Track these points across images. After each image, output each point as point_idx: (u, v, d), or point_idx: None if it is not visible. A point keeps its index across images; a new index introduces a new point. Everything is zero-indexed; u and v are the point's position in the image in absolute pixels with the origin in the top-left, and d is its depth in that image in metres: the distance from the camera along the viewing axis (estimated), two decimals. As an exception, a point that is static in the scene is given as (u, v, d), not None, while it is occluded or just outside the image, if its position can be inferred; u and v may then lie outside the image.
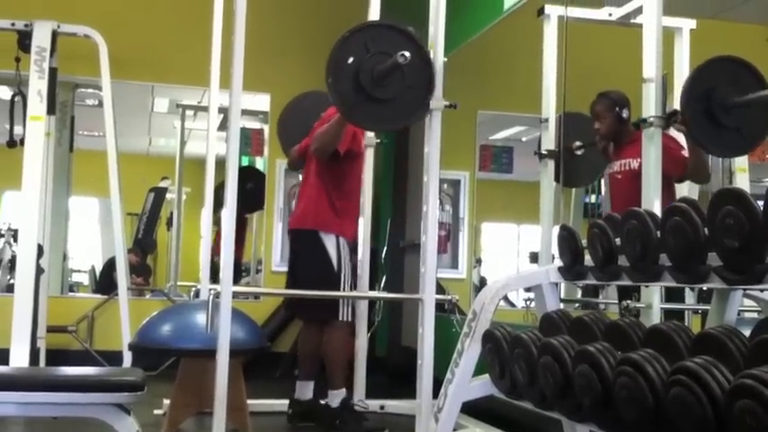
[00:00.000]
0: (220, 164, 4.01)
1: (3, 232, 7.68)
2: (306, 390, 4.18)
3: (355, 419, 4.04)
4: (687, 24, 3.85)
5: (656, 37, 3.04)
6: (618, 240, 2.29)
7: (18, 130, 5.15)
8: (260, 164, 7.33)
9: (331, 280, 4.09)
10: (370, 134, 4.63)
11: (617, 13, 3.81)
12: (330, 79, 3.42)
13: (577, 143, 3.98)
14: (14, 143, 5.17)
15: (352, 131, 4.12)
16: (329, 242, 4.12)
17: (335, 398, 4.09)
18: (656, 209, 2.90)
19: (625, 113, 3.71)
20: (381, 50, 3.45)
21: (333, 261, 4.11)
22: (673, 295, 3.46)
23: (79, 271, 8.72)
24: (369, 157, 4.65)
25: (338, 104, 3.49)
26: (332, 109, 3.93)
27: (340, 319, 4.12)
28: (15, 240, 6.39)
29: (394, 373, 5.71)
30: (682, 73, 3.68)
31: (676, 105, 3.50)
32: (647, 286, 2.94)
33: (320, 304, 4.14)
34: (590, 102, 3.92)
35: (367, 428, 4.06)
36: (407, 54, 3.33)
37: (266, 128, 6.76)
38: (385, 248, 5.97)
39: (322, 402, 4.13)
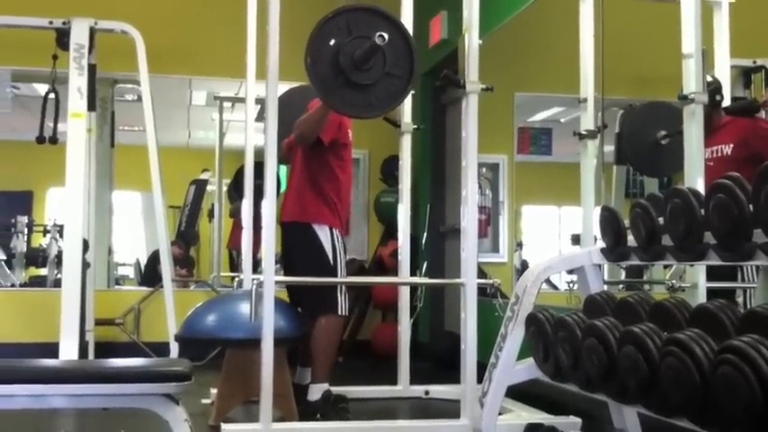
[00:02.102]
0: (259, 154, 4.03)
1: (49, 228, 7.83)
2: (306, 375, 4.14)
3: (336, 412, 3.92)
4: (726, -2, 3.77)
5: (695, 11, 2.99)
6: (661, 220, 2.26)
7: (51, 126, 5.25)
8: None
9: (327, 273, 3.98)
10: (407, 120, 4.62)
11: (654, -12, 3.75)
12: (309, 59, 3.37)
13: (663, 132, 3.91)
14: (44, 140, 5.25)
15: (338, 121, 4.01)
16: (323, 234, 4.03)
17: (317, 392, 3.96)
18: (700, 186, 2.86)
19: (717, 98, 3.61)
20: (363, 34, 3.40)
21: (329, 254, 4.02)
22: (724, 275, 3.40)
23: (124, 264, 8.84)
24: (406, 143, 4.65)
25: (316, 87, 3.45)
26: (316, 99, 3.83)
27: (339, 313, 4.00)
28: (61, 236, 6.51)
29: (437, 358, 5.71)
30: (722, 48, 3.61)
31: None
32: (691, 265, 2.91)
33: (319, 296, 4.01)
34: (629, 81, 3.87)
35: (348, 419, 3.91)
36: (386, 35, 3.28)
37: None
38: (425, 234, 5.97)
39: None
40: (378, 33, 3.28)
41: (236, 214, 7.50)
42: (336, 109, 3.67)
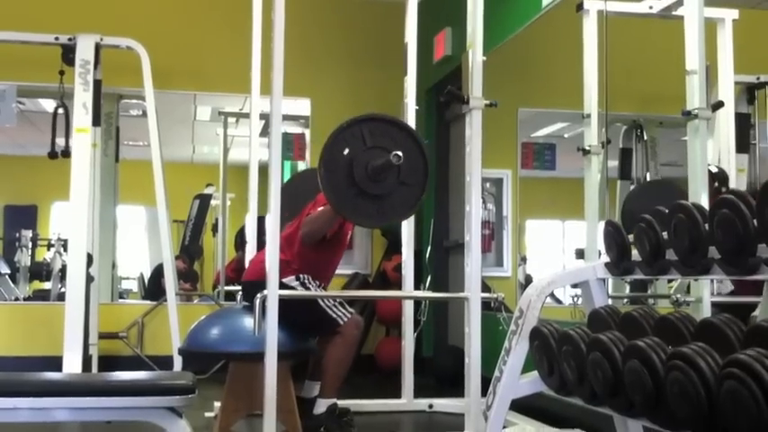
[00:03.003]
0: (263, 169, 4.04)
1: (53, 242, 7.84)
2: (313, 388, 4.12)
3: (340, 426, 3.90)
4: (729, 15, 3.78)
5: (699, 28, 3.00)
6: (665, 234, 2.26)
7: (60, 142, 5.27)
8: (302, 168, 7.37)
9: (310, 304, 3.90)
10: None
11: (657, 5, 3.76)
12: (322, 170, 3.37)
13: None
14: (56, 154, 5.27)
15: (342, 220, 3.96)
16: (291, 281, 3.92)
17: (323, 406, 3.93)
18: (704, 202, 2.86)
19: (723, 190, 3.61)
20: (378, 145, 3.41)
21: (296, 288, 3.91)
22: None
23: (128, 278, 8.86)
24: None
25: (329, 197, 3.46)
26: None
27: (342, 323, 3.93)
28: (65, 250, 6.51)
29: (441, 372, 5.70)
30: (725, 64, 3.63)
31: (721, 97, 3.47)
32: (696, 280, 2.90)
33: (316, 324, 3.96)
34: (633, 97, 3.88)
35: None
36: (401, 155, 3.30)
37: (307, 132, 6.81)
38: (429, 249, 5.97)
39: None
40: (393, 153, 3.29)
41: (237, 260, 7.44)
42: (349, 219, 3.70)
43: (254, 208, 4.78)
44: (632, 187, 4.40)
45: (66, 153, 5.27)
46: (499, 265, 5.77)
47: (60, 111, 5.33)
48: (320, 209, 3.91)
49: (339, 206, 3.51)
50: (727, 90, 3.59)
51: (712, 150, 3.56)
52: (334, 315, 3.94)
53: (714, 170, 3.56)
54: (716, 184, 3.60)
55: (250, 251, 4.86)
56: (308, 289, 3.97)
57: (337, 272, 4.35)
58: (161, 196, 5.36)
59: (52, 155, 5.30)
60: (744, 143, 3.82)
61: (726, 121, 3.63)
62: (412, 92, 4.66)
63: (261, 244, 4.14)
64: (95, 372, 5.28)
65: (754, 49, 3.83)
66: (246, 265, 4.54)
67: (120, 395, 2.07)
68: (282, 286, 3.86)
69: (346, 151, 3.41)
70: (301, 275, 3.98)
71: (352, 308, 4.07)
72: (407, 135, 3.54)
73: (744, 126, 3.82)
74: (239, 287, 5.23)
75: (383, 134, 3.43)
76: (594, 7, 3.99)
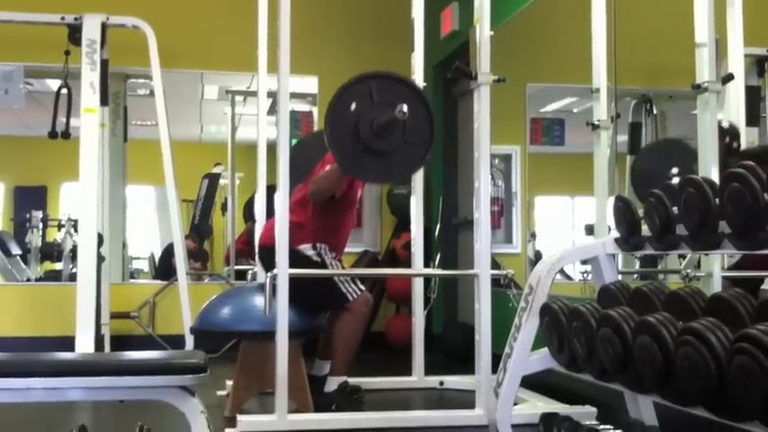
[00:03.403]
0: (271, 148, 4.04)
1: (63, 223, 7.87)
2: (324, 367, 4.15)
3: (351, 403, 3.93)
4: (740, -15, 3.74)
5: (708, 0, 2.97)
6: (675, 209, 2.25)
7: (63, 121, 5.27)
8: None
9: (321, 276, 3.93)
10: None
11: (667, -23, 3.73)
12: (328, 126, 3.38)
13: (675, 170, 3.90)
14: (56, 135, 5.27)
15: (350, 179, 3.98)
16: (306, 248, 3.97)
17: (333, 383, 3.97)
18: (714, 176, 2.85)
19: (734, 145, 3.57)
20: (385, 101, 3.39)
21: (314, 260, 3.96)
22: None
23: (139, 258, 8.88)
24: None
25: (335, 153, 3.46)
26: None
27: (351, 299, 3.95)
28: (76, 230, 6.53)
29: (451, 349, 5.72)
30: (735, 37, 3.59)
31: (731, 70, 3.44)
32: (706, 254, 2.90)
33: (327, 299, 3.99)
34: (642, 71, 3.84)
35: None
36: (405, 109, 3.28)
37: (315, 110, 6.80)
38: (438, 226, 5.96)
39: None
40: (399, 108, 3.27)
41: (248, 232, 7.48)
42: (354, 175, 3.69)
43: (263, 187, 4.77)
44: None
45: (67, 134, 5.28)
46: (508, 241, 5.76)
47: (63, 91, 5.32)
48: (328, 167, 3.92)
49: (343, 162, 3.50)
50: (737, 63, 3.55)
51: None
52: (345, 290, 3.96)
53: (725, 125, 3.51)
54: (727, 139, 3.55)
55: (259, 230, 4.87)
56: (323, 259, 3.99)
57: (347, 250, 4.36)
58: (170, 176, 5.37)
59: (52, 135, 5.30)
60: (754, 116, 3.78)
61: (736, 94, 3.59)
62: (419, 68, 4.64)
63: (272, 212, 4.14)
64: (108, 351, 5.31)
65: (764, 22, 3.79)
66: (258, 234, 4.57)
67: (133, 374, 2.08)
68: (297, 254, 3.91)
69: (353, 107, 3.40)
70: (318, 244, 4.00)
71: (363, 285, 4.08)
72: (415, 94, 3.53)
73: (754, 99, 3.79)
74: (249, 266, 5.25)
75: (391, 92, 3.43)
76: (603, -20, 3.95)
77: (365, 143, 3.41)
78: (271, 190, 4.00)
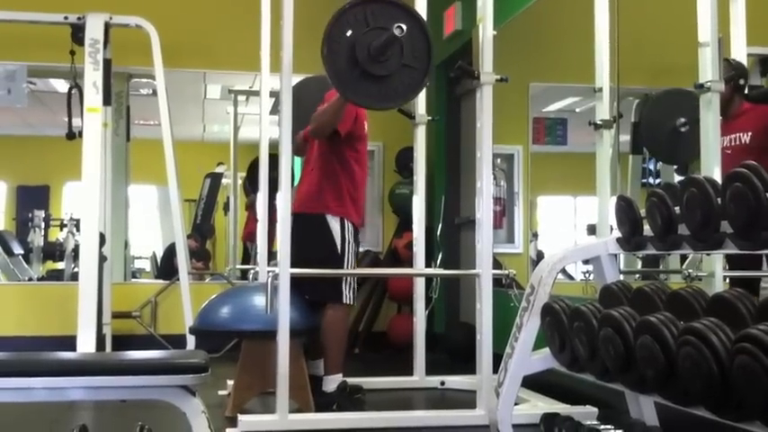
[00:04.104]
0: (274, 147, 4.03)
1: (65, 222, 7.88)
2: (318, 367, 4.12)
3: (352, 403, 3.93)
4: (743, -15, 3.73)
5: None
6: (677, 209, 2.25)
7: (76, 122, 5.27)
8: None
9: (333, 262, 3.95)
10: (421, 111, 4.62)
11: (670, -24, 3.72)
12: (325, 50, 3.34)
13: (682, 119, 3.88)
14: (73, 135, 5.28)
15: (353, 113, 3.98)
16: (335, 224, 3.99)
17: (331, 383, 3.97)
18: (716, 175, 2.84)
19: (741, 82, 3.54)
20: (381, 26, 3.36)
21: (337, 243, 3.98)
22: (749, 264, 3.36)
23: (141, 258, 8.90)
24: (421, 135, 4.64)
25: (332, 79, 3.42)
26: (333, 91, 3.78)
27: (343, 302, 3.98)
28: (78, 230, 6.55)
29: (453, 349, 5.71)
30: (738, 36, 3.59)
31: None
32: (708, 254, 2.89)
33: (324, 285, 3.99)
34: (645, 70, 3.83)
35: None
36: (404, 26, 3.26)
37: (318, 110, 6.79)
38: (440, 225, 5.96)
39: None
40: (396, 24, 3.26)
41: (251, 207, 7.54)
42: (352, 100, 3.64)
43: (265, 187, 4.77)
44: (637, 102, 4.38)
45: (82, 134, 5.28)
46: (510, 241, 5.76)
47: (74, 91, 5.32)
48: (327, 103, 3.91)
49: (342, 88, 3.48)
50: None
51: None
52: (344, 291, 3.96)
53: (733, 61, 3.46)
54: (732, 74, 3.49)
55: (262, 230, 4.87)
56: (343, 247, 3.99)
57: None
58: (172, 175, 5.37)
59: (70, 135, 5.30)
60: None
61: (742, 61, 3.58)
62: (422, 68, 4.62)
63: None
64: (109, 351, 5.32)
65: (767, 21, 3.79)
66: None
67: (134, 374, 2.08)
68: (323, 222, 3.96)
69: (349, 33, 3.38)
70: (346, 223, 4.02)
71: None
72: (412, 18, 3.50)
73: (757, 99, 3.78)
74: (252, 265, 5.24)
75: (386, 16, 3.40)
76: (606, -21, 3.94)
77: (362, 67, 3.39)
78: (273, 158, 3.97)
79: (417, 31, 3.48)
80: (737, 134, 3.55)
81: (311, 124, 4.00)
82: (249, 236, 7.45)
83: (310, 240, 3.96)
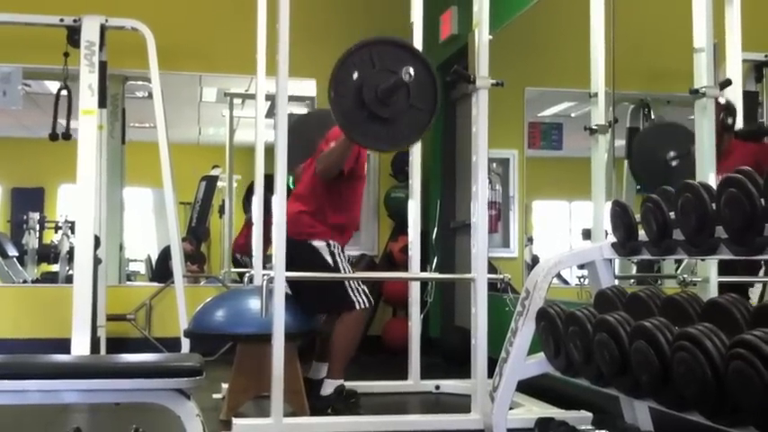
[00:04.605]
0: (269, 151, 4.03)
1: (60, 225, 7.87)
2: (321, 370, 4.14)
3: (347, 407, 3.94)
4: (738, -9, 3.74)
5: (707, 5, 2.98)
6: (672, 214, 2.25)
7: (64, 124, 5.27)
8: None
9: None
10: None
11: (665, -19, 3.72)
12: (332, 93, 3.36)
13: (672, 153, 3.90)
14: (56, 136, 5.27)
15: (356, 153, 4.00)
16: (321, 246, 4.03)
17: (329, 386, 3.98)
18: (711, 181, 2.85)
19: (729, 121, 3.56)
20: (387, 67, 3.39)
21: (328, 260, 4.01)
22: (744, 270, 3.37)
23: (135, 260, 8.87)
24: (416, 139, 4.64)
25: (339, 121, 3.45)
26: (336, 129, 3.82)
27: (357, 308, 3.99)
28: (73, 232, 6.53)
29: (448, 353, 5.71)
30: (734, 41, 3.60)
31: (729, 75, 3.44)
32: (702, 260, 2.90)
33: (333, 300, 4.02)
34: (640, 76, 3.84)
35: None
36: (412, 71, 3.28)
37: (313, 113, 6.79)
38: (435, 229, 5.97)
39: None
40: (405, 70, 3.27)
41: (247, 223, 7.53)
42: (359, 143, 3.68)
43: (261, 190, 4.77)
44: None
45: (67, 135, 5.27)
46: (506, 245, 5.76)
47: (63, 92, 5.32)
48: (332, 144, 3.92)
49: (349, 130, 3.50)
50: (735, 68, 3.55)
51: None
52: (354, 299, 3.97)
53: (722, 101, 3.48)
54: (722, 115, 3.51)
55: (257, 235, 4.86)
56: (335, 261, 4.00)
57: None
58: (167, 178, 5.36)
59: (53, 137, 5.30)
60: (752, 121, 3.79)
61: (734, 99, 3.60)
62: (418, 72, 4.63)
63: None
64: (104, 354, 5.30)
65: (762, 27, 3.80)
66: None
67: (129, 377, 2.07)
68: (310, 248, 3.96)
69: (356, 75, 3.39)
70: (332, 243, 4.02)
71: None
72: (417, 60, 3.51)
73: (752, 104, 3.79)
74: (246, 270, 5.24)
75: (392, 58, 3.42)
76: (601, -16, 3.95)
77: (370, 109, 3.41)
78: (269, 179, 3.99)
79: (422, 72, 3.49)
80: (727, 174, 3.54)
81: (318, 165, 4.02)
82: (239, 247, 7.46)
83: (301, 267, 3.87)
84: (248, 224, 7.48)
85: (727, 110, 3.51)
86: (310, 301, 3.91)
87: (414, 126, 3.53)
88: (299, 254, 3.92)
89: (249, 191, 6.99)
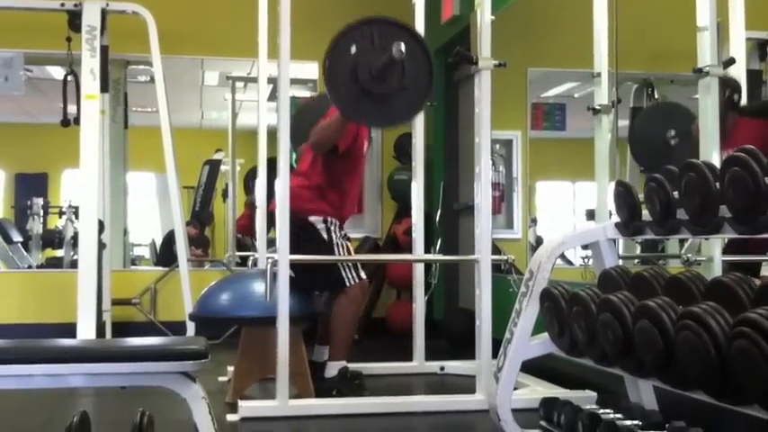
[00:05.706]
0: (272, 134, 4.03)
1: (64, 210, 7.88)
2: (323, 353, 4.14)
3: (352, 388, 3.94)
4: (742, -31, 3.72)
5: (710, -17, 2.96)
6: (676, 194, 2.25)
7: (71, 109, 5.26)
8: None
9: (325, 253, 3.98)
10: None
11: (668, -40, 3.70)
12: (327, 65, 3.37)
13: (672, 132, 3.89)
14: (68, 122, 5.27)
15: (354, 132, 4.00)
16: (318, 222, 4.01)
17: (333, 369, 3.97)
18: (715, 160, 2.84)
19: (735, 98, 3.54)
20: (386, 46, 3.38)
21: (323, 236, 4.00)
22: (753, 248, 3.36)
23: (140, 245, 8.88)
24: (419, 121, 4.63)
25: (333, 96, 3.45)
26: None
27: (348, 285, 3.97)
28: (77, 217, 6.54)
29: (452, 335, 5.73)
30: (737, 20, 3.58)
31: (732, 54, 3.42)
32: (707, 239, 2.89)
33: (325, 279, 4.01)
34: (643, 55, 3.82)
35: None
36: (403, 48, 3.28)
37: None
38: (439, 212, 5.96)
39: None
40: (396, 47, 3.27)
41: (249, 204, 7.54)
42: (352, 118, 3.67)
43: (264, 173, 4.77)
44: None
45: (79, 120, 5.27)
46: (509, 227, 5.76)
47: (70, 78, 5.31)
48: (328, 118, 3.92)
49: (340, 104, 3.50)
50: (738, 47, 3.53)
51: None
52: (345, 275, 3.96)
53: (726, 78, 3.46)
54: (727, 92, 3.51)
55: (261, 216, 4.87)
56: (330, 238, 4.01)
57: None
58: (171, 162, 5.37)
59: (65, 122, 5.29)
60: (755, 100, 3.78)
61: (737, 77, 3.58)
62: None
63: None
64: (109, 338, 5.32)
65: (766, 5, 3.77)
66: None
67: (134, 361, 2.08)
68: (307, 224, 3.95)
69: (353, 50, 3.39)
70: (329, 219, 4.02)
71: (363, 271, 4.08)
72: (416, 42, 3.53)
73: (755, 83, 3.78)
74: (250, 252, 5.25)
75: (393, 38, 3.42)
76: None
77: (363, 86, 3.41)
78: (272, 162, 4.00)
79: (419, 53, 3.49)
80: (731, 153, 3.53)
81: (311, 138, 4.01)
82: (241, 228, 7.48)
83: (297, 243, 3.87)
84: (249, 205, 7.49)
85: (731, 86, 3.50)
86: (305, 281, 3.90)
87: (406, 106, 3.53)
88: (297, 231, 3.91)
89: (249, 173, 7.01)
